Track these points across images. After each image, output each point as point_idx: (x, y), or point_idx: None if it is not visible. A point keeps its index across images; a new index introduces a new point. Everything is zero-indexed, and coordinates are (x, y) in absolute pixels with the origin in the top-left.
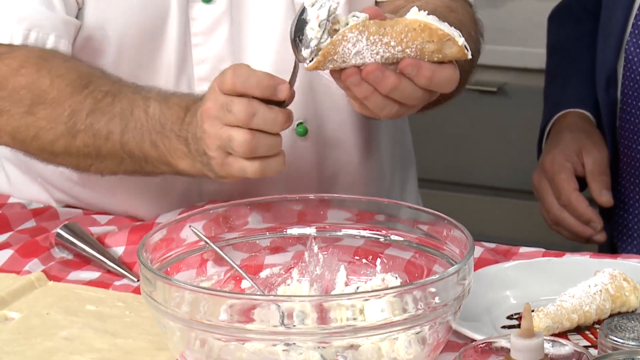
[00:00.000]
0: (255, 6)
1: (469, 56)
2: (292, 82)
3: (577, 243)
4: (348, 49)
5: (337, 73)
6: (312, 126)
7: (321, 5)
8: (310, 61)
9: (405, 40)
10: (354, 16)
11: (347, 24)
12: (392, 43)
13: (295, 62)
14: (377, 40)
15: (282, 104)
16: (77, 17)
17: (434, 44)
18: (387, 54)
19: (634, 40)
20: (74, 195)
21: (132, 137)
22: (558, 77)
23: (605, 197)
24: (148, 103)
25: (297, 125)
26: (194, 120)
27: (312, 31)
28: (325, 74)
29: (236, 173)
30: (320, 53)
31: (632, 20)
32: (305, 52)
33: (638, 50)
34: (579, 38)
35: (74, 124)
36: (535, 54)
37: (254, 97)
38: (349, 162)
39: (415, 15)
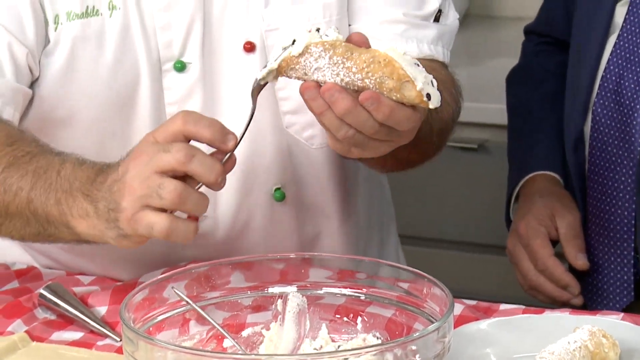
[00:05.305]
0: (230, 72)
1: (430, 105)
2: (242, 135)
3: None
4: (310, 62)
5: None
6: (290, 191)
7: (294, 41)
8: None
9: (366, 70)
10: (326, 35)
11: (320, 37)
12: (354, 69)
13: (250, 115)
14: (339, 61)
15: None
16: (31, 87)
17: (393, 82)
18: (347, 79)
19: (601, 101)
20: (55, 259)
21: (39, 195)
22: (522, 139)
23: (581, 261)
24: (64, 165)
25: (275, 190)
26: (109, 178)
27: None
28: (303, 138)
29: (143, 229)
30: (282, 59)
31: (598, 81)
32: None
33: (605, 111)
34: (541, 99)
35: None
36: None
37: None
38: (327, 224)
39: (388, 50)
